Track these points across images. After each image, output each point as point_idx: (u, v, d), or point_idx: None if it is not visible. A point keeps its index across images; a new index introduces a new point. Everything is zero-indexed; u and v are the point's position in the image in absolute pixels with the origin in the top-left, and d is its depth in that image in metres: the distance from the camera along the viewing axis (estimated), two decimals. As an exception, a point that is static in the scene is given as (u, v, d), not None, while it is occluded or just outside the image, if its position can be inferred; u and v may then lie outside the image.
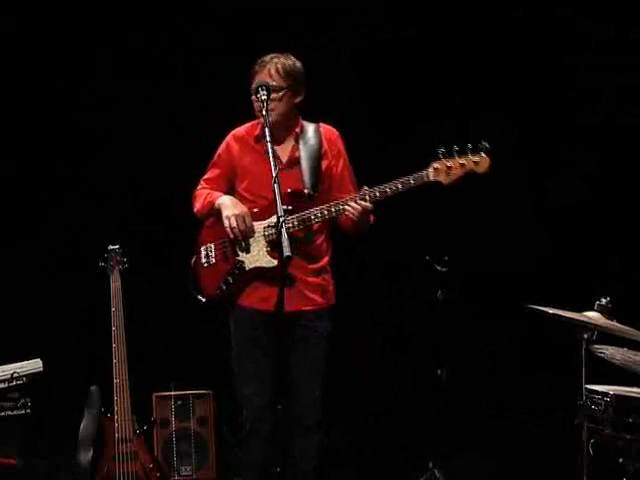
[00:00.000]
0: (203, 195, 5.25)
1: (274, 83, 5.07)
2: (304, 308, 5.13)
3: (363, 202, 4.99)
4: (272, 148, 4.75)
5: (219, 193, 5.22)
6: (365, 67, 7.29)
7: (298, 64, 5.17)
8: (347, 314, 7.46)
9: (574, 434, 4.78)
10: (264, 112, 4.87)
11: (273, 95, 5.05)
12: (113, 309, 5.72)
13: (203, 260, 5.20)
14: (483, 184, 7.26)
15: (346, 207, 5.00)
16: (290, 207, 4.93)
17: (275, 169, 4.68)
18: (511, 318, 6.60)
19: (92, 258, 5.84)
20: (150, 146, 7.23)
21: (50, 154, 7.24)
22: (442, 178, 4.95)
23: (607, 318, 4.82)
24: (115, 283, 5.77)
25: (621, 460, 4.73)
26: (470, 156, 4.94)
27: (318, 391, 5.14)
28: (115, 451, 5.62)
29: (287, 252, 4.51)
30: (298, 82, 5.14)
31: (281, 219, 4.57)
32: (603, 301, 4.88)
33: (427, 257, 6.22)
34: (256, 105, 5.09)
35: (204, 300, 5.21)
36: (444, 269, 6.19)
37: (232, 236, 5.08)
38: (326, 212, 5.03)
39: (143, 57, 7.23)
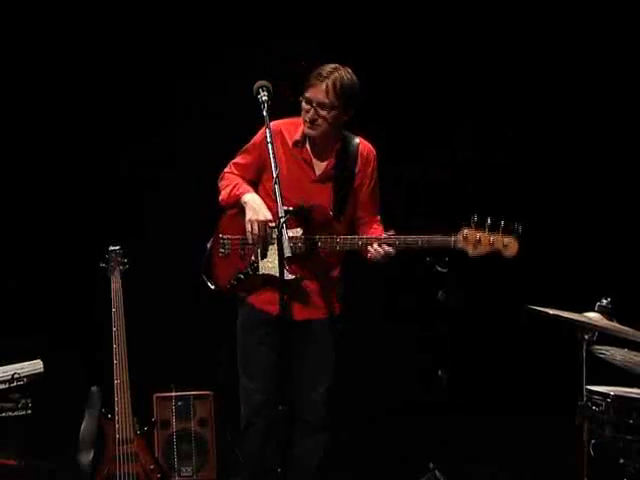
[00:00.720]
0: (231, 184, 5.15)
1: (326, 101, 4.95)
2: (313, 317, 5.13)
3: (387, 247, 4.96)
4: (274, 151, 4.71)
5: (247, 187, 5.11)
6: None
7: (355, 80, 5.01)
8: (348, 315, 7.51)
9: (575, 435, 4.78)
10: (264, 113, 4.80)
11: (323, 112, 4.96)
12: (114, 310, 5.71)
13: (220, 249, 5.15)
14: (484, 185, 7.31)
15: (369, 248, 4.96)
16: (291, 208, 4.90)
17: (276, 170, 4.67)
18: (512, 319, 6.59)
19: (93, 259, 5.83)
20: (151, 145, 7.23)
21: (51, 153, 7.25)
22: (470, 249, 4.90)
23: (607, 319, 4.82)
24: (116, 284, 5.76)
25: (622, 461, 4.73)
26: (501, 236, 4.88)
27: (324, 391, 5.13)
28: (116, 452, 5.61)
29: (288, 253, 4.51)
30: (352, 100, 5.01)
31: (281, 220, 4.56)
32: (604, 302, 4.87)
33: (428, 258, 6.22)
34: (303, 114, 5.02)
35: (212, 287, 5.19)
36: (445, 270, 6.19)
37: (251, 241, 5.04)
38: (348, 244, 4.99)
39: (145, 52, 7.23)
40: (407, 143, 7.29)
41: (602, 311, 4.85)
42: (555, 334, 5.16)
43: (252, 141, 5.19)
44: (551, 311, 4.76)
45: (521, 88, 7.42)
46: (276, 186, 4.62)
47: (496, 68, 7.41)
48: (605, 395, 4.78)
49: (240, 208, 5.09)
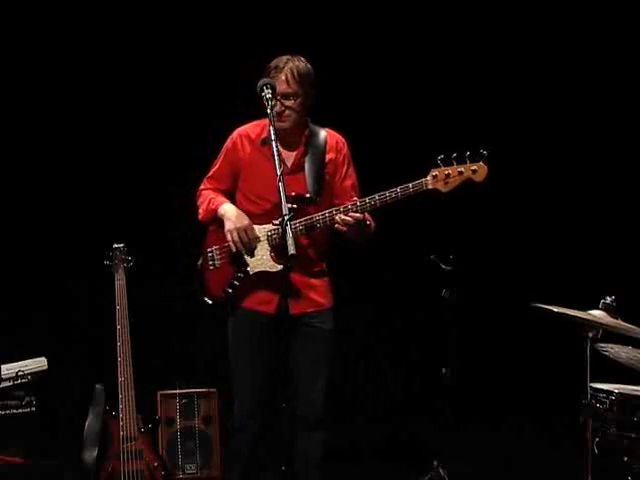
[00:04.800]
0: (206, 200, 5.23)
1: (290, 90, 5.02)
2: (307, 310, 5.13)
3: (354, 214, 4.94)
4: (277, 148, 4.72)
5: (221, 199, 5.20)
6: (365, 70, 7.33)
7: (310, 67, 5.09)
8: (351, 314, 7.51)
9: (579, 432, 4.77)
10: (268, 110, 4.82)
11: (289, 102, 5.02)
12: (118, 307, 5.71)
13: (209, 263, 5.20)
14: (487, 184, 7.30)
15: (336, 218, 4.96)
16: (295, 206, 4.90)
17: (280, 168, 4.66)
18: (516, 316, 6.59)
19: (97, 256, 5.84)
20: (153, 145, 7.23)
21: (54, 152, 7.25)
22: (440, 186, 4.92)
23: (612, 316, 4.82)
24: (119, 281, 5.76)
25: (626, 459, 4.73)
26: (468, 164, 4.91)
27: (321, 389, 5.12)
28: (120, 449, 5.62)
29: (292, 251, 4.50)
30: (312, 86, 5.07)
31: (286, 217, 4.56)
32: (608, 299, 4.87)
33: (432, 256, 6.22)
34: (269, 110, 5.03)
35: (210, 302, 5.23)
36: (449, 268, 6.19)
37: (235, 250, 5.09)
38: (322, 218, 4.97)
39: (148, 55, 7.25)
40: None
41: (607, 309, 4.85)
42: (559, 332, 5.16)
43: (222, 151, 5.28)
44: (556, 309, 4.76)
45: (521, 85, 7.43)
46: (280, 184, 4.62)
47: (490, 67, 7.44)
48: (609, 393, 4.78)
49: (219, 221, 5.17)
